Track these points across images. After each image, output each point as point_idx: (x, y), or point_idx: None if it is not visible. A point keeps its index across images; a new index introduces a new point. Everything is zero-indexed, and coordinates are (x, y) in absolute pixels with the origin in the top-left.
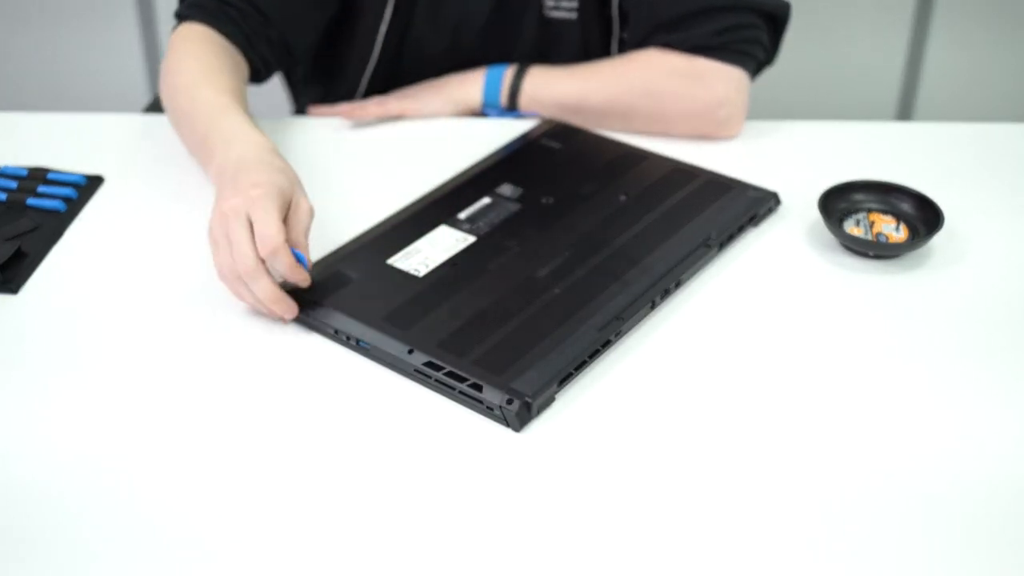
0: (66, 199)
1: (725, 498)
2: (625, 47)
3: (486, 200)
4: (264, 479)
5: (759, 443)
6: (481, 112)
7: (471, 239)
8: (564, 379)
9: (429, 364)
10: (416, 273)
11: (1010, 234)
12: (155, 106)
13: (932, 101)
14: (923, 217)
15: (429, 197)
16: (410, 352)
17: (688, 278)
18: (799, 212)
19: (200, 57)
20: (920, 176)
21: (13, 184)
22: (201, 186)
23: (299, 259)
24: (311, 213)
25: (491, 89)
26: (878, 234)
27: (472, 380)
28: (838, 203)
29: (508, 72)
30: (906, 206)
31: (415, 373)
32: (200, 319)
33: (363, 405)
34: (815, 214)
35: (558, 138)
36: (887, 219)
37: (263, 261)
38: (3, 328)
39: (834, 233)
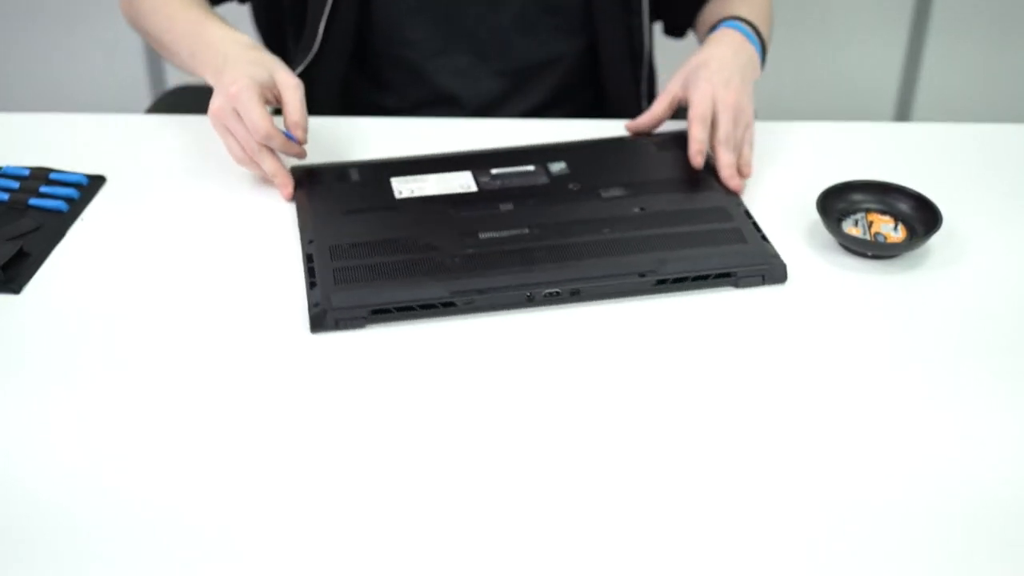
0: (68, 199)
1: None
2: None
3: (528, 167)
4: (266, 484)
5: (750, 444)
6: None
7: (473, 189)
8: (379, 311)
9: (308, 256)
10: (397, 194)
11: (1008, 234)
12: (157, 107)
13: (930, 102)
14: (921, 217)
15: (491, 150)
16: (310, 242)
17: (594, 297)
18: (798, 212)
19: None
20: (918, 176)
21: (15, 184)
22: (203, 186)
23: (289, 137)
24: (297, 87)
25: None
26: (876, 234)
27: (313, 279)
28: (836, 203)
29: (757, 38)
30: (904, 206)
31: (304, 261)
32: (202, 318)
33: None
34: (813, 214)
35: (668, 144)
36: (885, 219)
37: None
38: (5, 328)
39: (832, 233)
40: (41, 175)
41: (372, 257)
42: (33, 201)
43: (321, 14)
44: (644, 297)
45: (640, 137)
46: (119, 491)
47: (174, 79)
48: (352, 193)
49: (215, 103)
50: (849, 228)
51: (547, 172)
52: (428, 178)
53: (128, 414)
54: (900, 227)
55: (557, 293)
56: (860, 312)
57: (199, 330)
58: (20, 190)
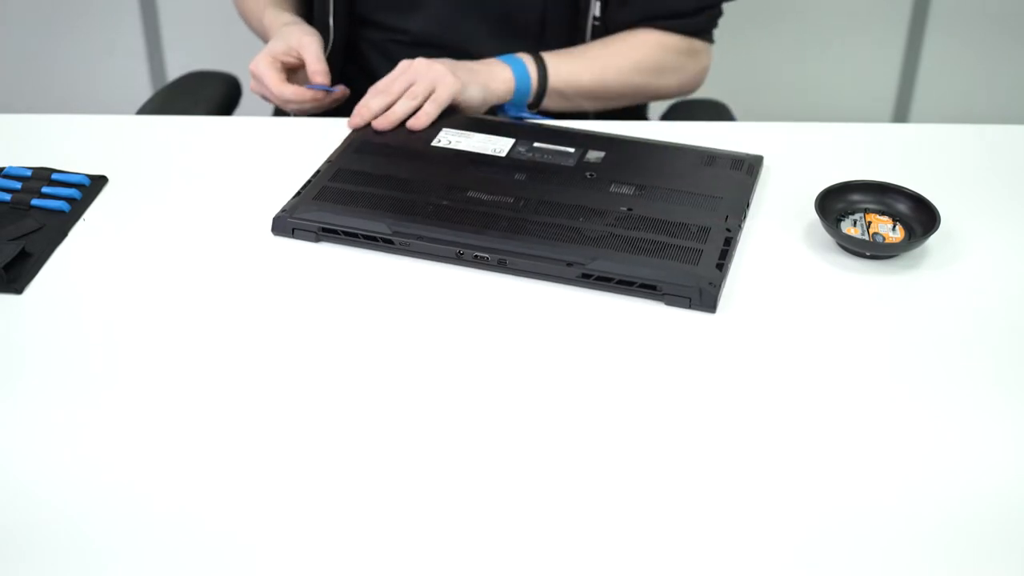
0: (70, 199)
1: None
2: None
3: (568, 149)
4: (269, 484)
5: (745, 446)
6: (495, 110)
7: (500, 155)
8: (328, 230)
9: (316, 171)
10: (436, 142)
11: (1006, 234)
12: (149, 106)
13: (928, 103)
14: (919, 218)
15: (547, 125)
16: (328, 162)
17: (521, 272)
18: (796, 212)
19: None
20: (916, 177)
21: (17, 185)
22: (204, 186)
23: (325, 89)
24: (309, 45)
25: (521, 88)
26: (875, 234)
27: (301, 190)
28: (835, 203)
29: (531, 68)
30: (902, 207)
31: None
32: (205, 317)
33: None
34: (812, 214)
35: (715, 162)
36: (883, 219)
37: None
38: (7, 328)
39: (831, 233)
40: (43, 175)
41: (363, 187)
42: (35, 201)
43: (328, 14)
44: (592, 291)
45: (687, 149)
46: (122, 492)
47: (175, 75)
48: (401, 132)
49: (252, 82)
50: (847, 228)
51: (581, 157)
52: (473, 136)
53: (130, 414)
54: (898, 227)
55: (485, 258)
56: (858, 312)
57: (202, 329)
58: (22, 190)
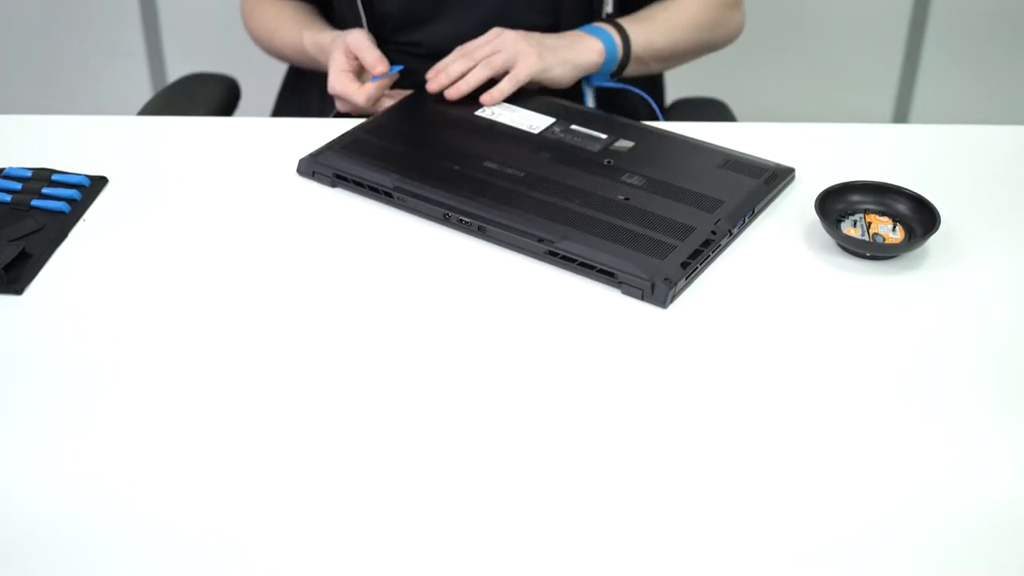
0: (70, 200)
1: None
2: None
3: (600, 135)
4: (271, 486)
5: (738, 447)
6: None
7: (534, 132)
8: (341, 177)
9: (360, 124)
10: (479, 113)
11: (1006, 235)
12: (147, 108)
13: (928, 103)
14: (919, 218)
15: (588, 110)
16: (374, 115)
17: (498, 241)
18: (796, 213)
19: (269, 9)
20: (916, 177)
21: (17, 185)
22: (204, 186)
23: (390, 74)
24: (360, 45)
25: (610, 58)
26: (875, 235)
27: (335, 139)
28: (835, 204)
29: (616, 38)
30: (902, 207)
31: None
32: (205, 318)
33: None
34: (812, 215)
35: (731, 165)
36: (884, 220)
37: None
38: (8, 329)
39: (831, 234)
40: (43, 176)
41: (391, 143)
42: (35, 202)
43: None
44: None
45: (715, 150)
46: (122, 493)
47: (175, 76)
48: (454, 100)
49: (338, 103)
50: (848, 229)
51: (609, 144)
52: (518, 111)
53: (131, 415)
54: (898, 228)
55: (468, 223)
56: (858, 312)
57: (202, 329)
58: (22, 191)
